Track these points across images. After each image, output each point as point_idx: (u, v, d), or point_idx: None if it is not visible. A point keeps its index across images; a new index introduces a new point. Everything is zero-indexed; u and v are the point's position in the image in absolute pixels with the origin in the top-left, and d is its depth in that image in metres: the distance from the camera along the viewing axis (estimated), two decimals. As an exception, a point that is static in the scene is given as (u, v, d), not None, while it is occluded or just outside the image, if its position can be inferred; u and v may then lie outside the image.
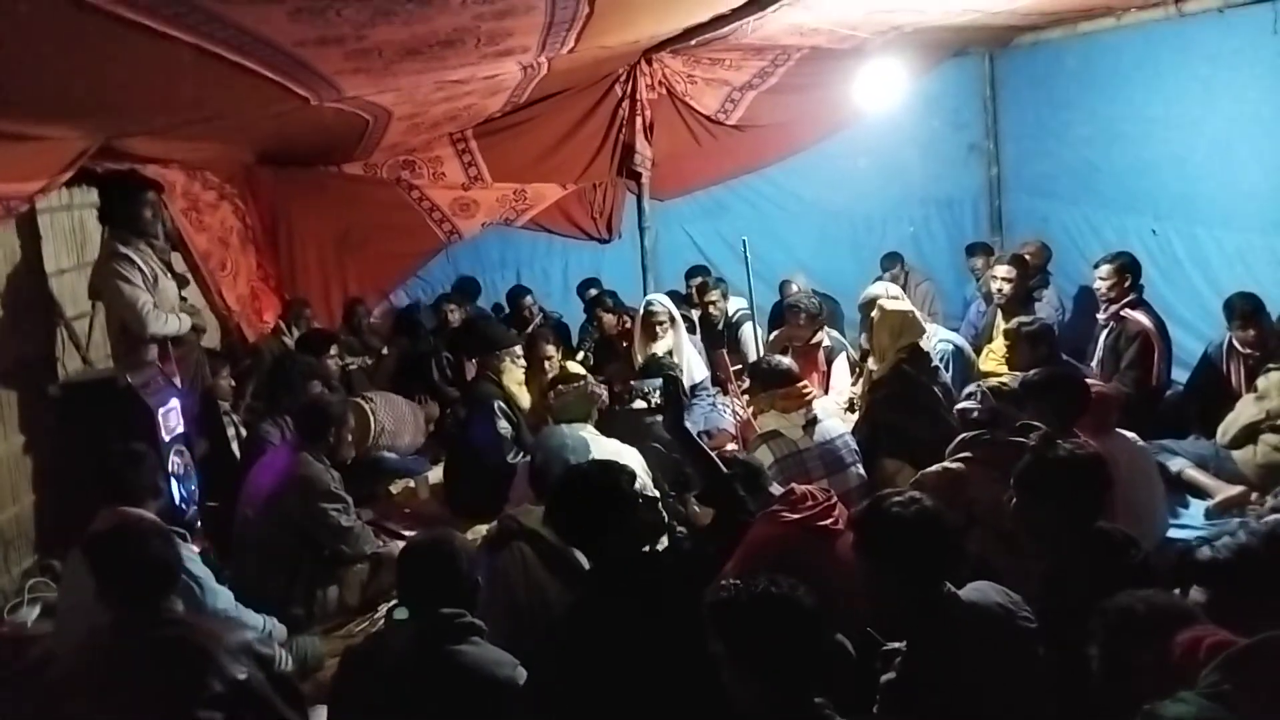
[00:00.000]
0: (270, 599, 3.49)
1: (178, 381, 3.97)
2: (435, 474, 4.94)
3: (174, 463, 3.65)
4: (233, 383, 4.87)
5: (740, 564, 2.88)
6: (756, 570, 2.74)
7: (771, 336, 5.64)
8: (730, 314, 6.20)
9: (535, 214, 7.14)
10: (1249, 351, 4.55)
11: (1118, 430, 3.72)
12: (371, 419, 4.97)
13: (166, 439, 3.67)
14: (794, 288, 6.82)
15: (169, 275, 4.31)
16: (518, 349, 4.97)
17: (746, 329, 5.92)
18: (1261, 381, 4.17)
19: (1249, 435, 4.06)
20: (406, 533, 4.13)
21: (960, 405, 3.58)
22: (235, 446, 4.68)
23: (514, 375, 4.79)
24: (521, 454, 4.44)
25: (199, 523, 3.83)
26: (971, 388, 3.67)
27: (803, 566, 2.84)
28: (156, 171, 4.74)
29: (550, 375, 4.81)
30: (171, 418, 3.73)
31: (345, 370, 5.62)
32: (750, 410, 4.81)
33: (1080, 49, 6.40)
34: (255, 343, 5.75)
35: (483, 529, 3.69)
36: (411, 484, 4.90)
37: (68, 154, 3.64)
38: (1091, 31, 6.07)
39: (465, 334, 6.06)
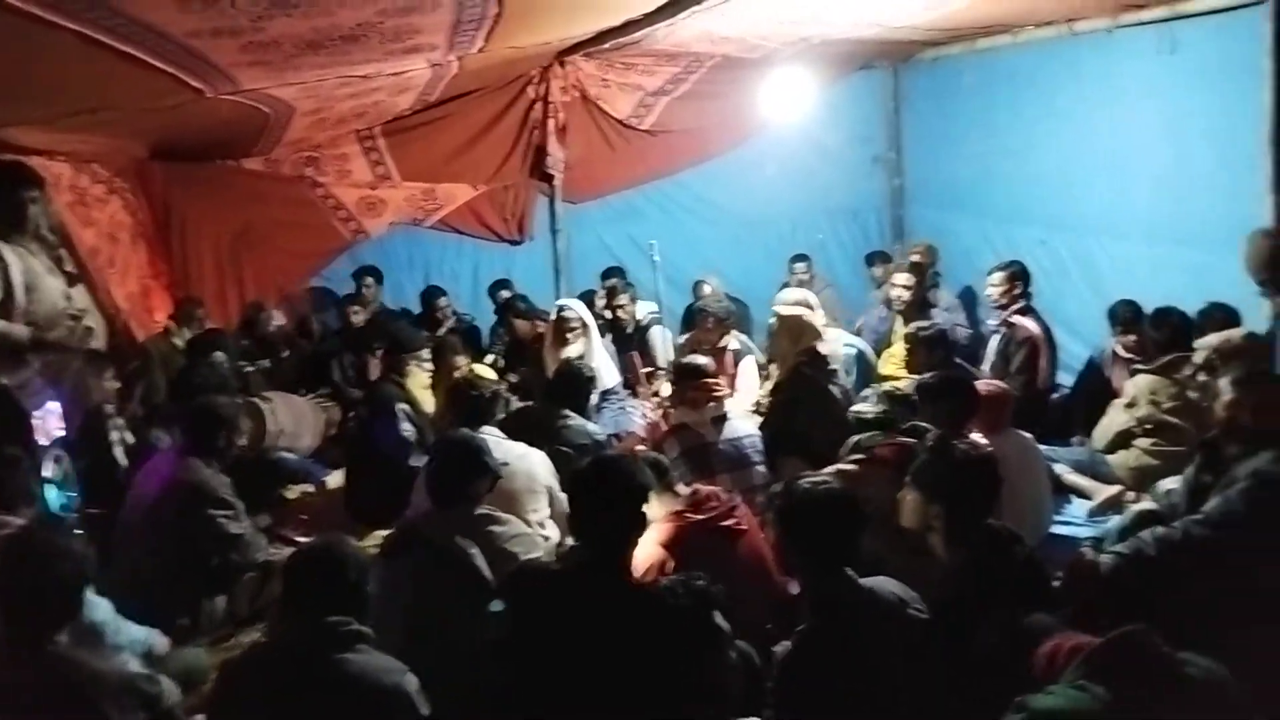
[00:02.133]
0: (154, 609, 3.34)
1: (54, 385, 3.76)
2: (336, 478, 4.82)
3: (51, 468, 3.46)
4: (118, 384, 4.65)
5: (657, 563, 2.90)
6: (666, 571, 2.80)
7: (682, 339, 5.68)
8: (640, 317, 6.23)
9: (445, 214, 7.05)
10: (1131, 356, 4.81)
11: (1010, 428, 3.86)
12: (269, 419, 4.82)
13: (44, 443, 3.48)
14: (706, 289, 6.90)
15: (58, 274, 4.09)
16: (424, 352, 4.88)
17: (655, 332, 5.96)
18: (1129, 387, 4.39)
19: (1123, 440, 4.26)
20: (303, 539, 4.00)
21: (855, 408, 3.67)
22: (121, 452, 4.47)
23: (419, 379, 4.72)
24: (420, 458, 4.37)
25: (79, 530, 3.63)
26: (868, 391, 3.76)
27: (707, 566, 2.88)
28: (41, 164, 4.50)
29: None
30: (50, 421, 3.54)
31: (242, 372, 5.43)
32: (660, 412, 4.86)
33: (979, 65, 6.65)
34: (143, 343, 5.50)
35: (384, 535, 3.61)
36: (310, 488, 4.77)
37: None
38: (989, 48, 6.31)
39: (372, 332, 5.94)
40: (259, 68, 3.83)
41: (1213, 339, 3.99)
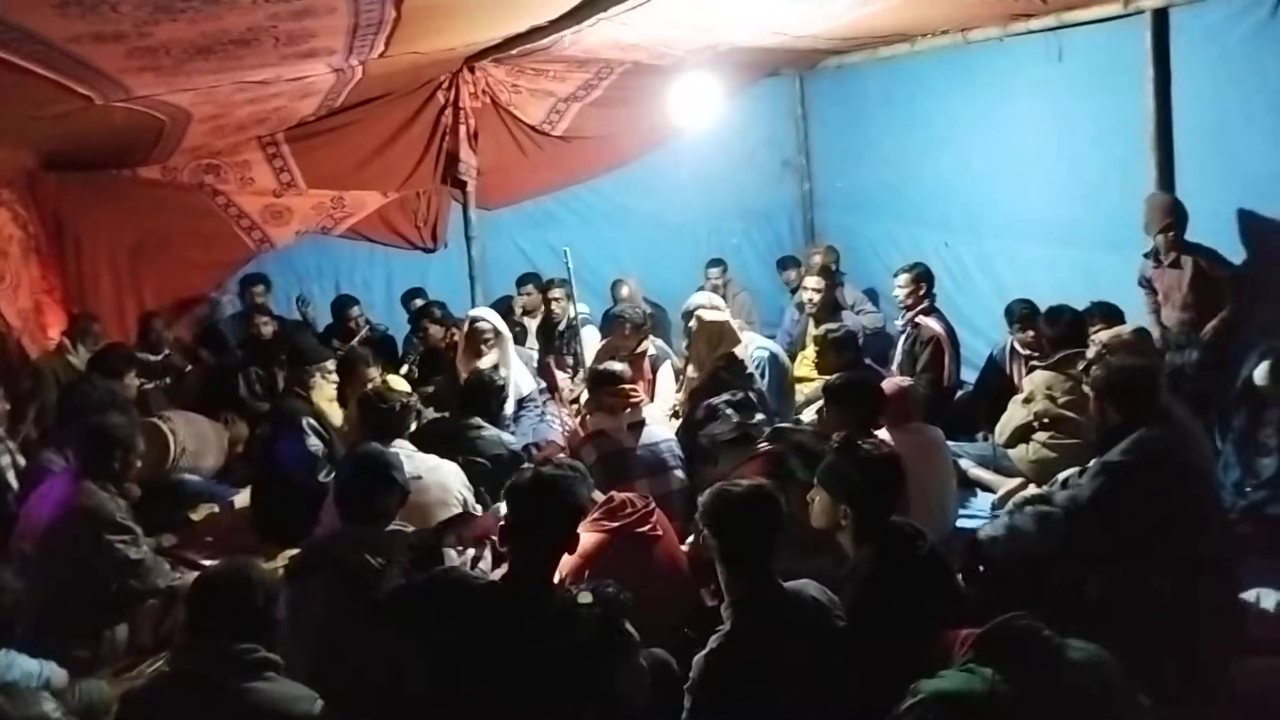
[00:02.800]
0: (52, 641, 3.19)
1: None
2: (243, 497, 4.67)
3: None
4: (7, 406, 4.42)
5: (574, 571, 2.89)
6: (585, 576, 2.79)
7: (599, 346, 5.69)
8: (573, 315, 6.22)
9: (355, 222, 6.91)
10: (1028, 353, 5.01)
11: (917, 424, 3.97)
12: (171, 439, 4.64)
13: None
14: (625, 290, 6.93)
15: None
16: (330, 364, 4.77)
17: (586, 331, 5.96)
18: (1027, 383, 4.57)
19: (1022, 435, 4.43)
20: (209, 562, 3.87)
21: (704, 433, 3.72)
22: (13, 476, 4.26)
23: (324, 391, 4.60)
24: (332, 473, 4.27)
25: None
26: (703, 411, 3.83)
27: (623, 573, 2.89)
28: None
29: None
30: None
31: (141, 390, 5.22)
32: (579, 418, 4.85)
33: (880, 73, 6.84)
34: (36, 361, 5.25)
35: (292, 554, 3.51)
36: (215, 509, 4.61)
37: None
38: (890, 57, 6.50)
39: (277, 344, 5.78)
40: (149, 73, 3.70)
41: (1103, 335, 4.18)
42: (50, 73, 3.24)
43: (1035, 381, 4.46)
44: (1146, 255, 4.67)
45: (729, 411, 3.69)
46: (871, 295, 6.88)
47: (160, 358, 5.83)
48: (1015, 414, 4.47)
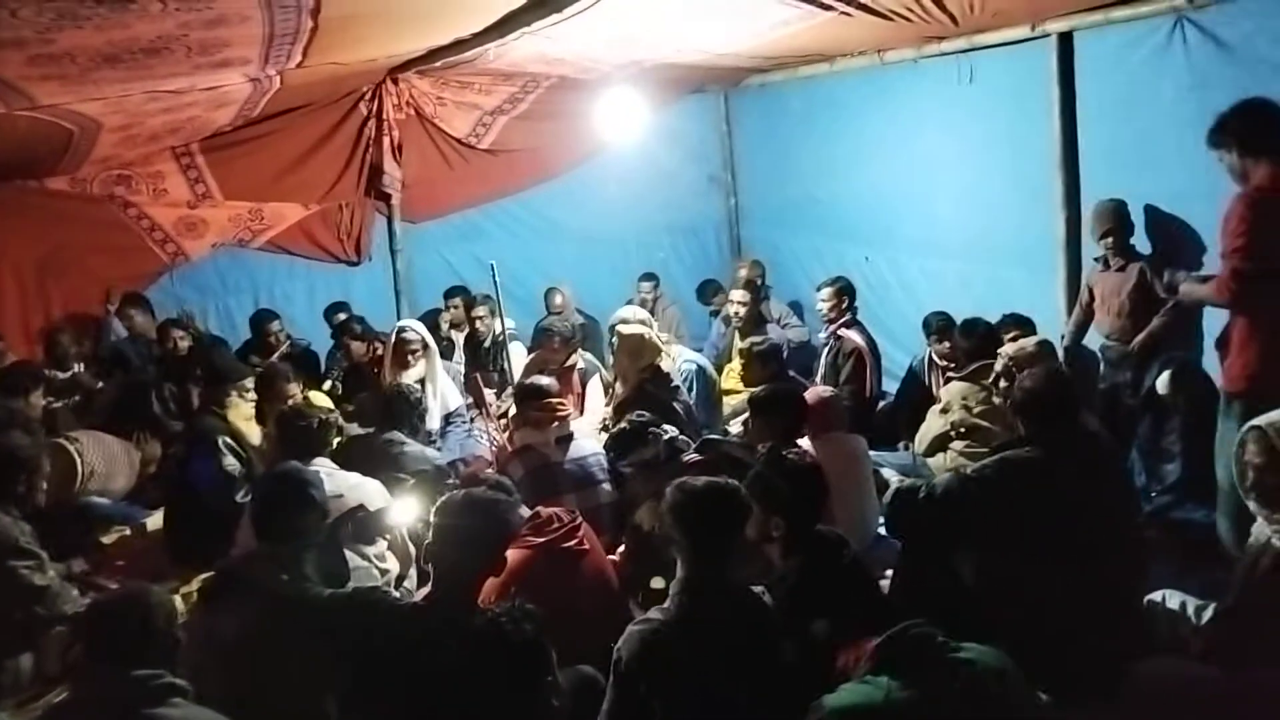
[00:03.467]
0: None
1: None
2: (155, 519, 4.51)
3: None
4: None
5: (498, 589, 2.86)
6: (513, 594, 2.77)
7: (527, 359, 5.66)
8: (498, 332, 6.17)
9: (274, 234, 6.78)
10: (945, 364, 5.17)
11: (839, 433, 4.05)
12: (79, 460, 4.44)
13: None
14: (559, 299, 6.91)
15: None
16: (248, 382, 4.64)
17: (513, 347, 5.92)
18: (944, 394, 4.71)
19: (939, 444, 4.55)
20: (123, 584, 3.73)
21: (634, 458, 3.75)
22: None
23: (242, 410, 4.47)
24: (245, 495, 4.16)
25: None
26: (629, 432, 3.84)
27: (549, 589, 2.87)
28: None
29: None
30: None
31: (49, 409, 5.00)
32: (506, 434, 4.81)
33: (801, 91, 6.99)
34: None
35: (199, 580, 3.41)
36: (127, 532, 4.44)
37: None
38: (810, 76, 6.64)
39: (192, 361, 5.60)
40: (54, 81, 3.57)
41: (1008, 348, 4.32)
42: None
43: (951, 392, 4.59)
44: (1096, 259, 4.80)
45: (654, 431, 3.69)
46: (797, 308, 7.00)
47: (68, 375, 5.60)
48: (933, 424, 4.59)
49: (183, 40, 3.26)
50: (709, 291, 7.38)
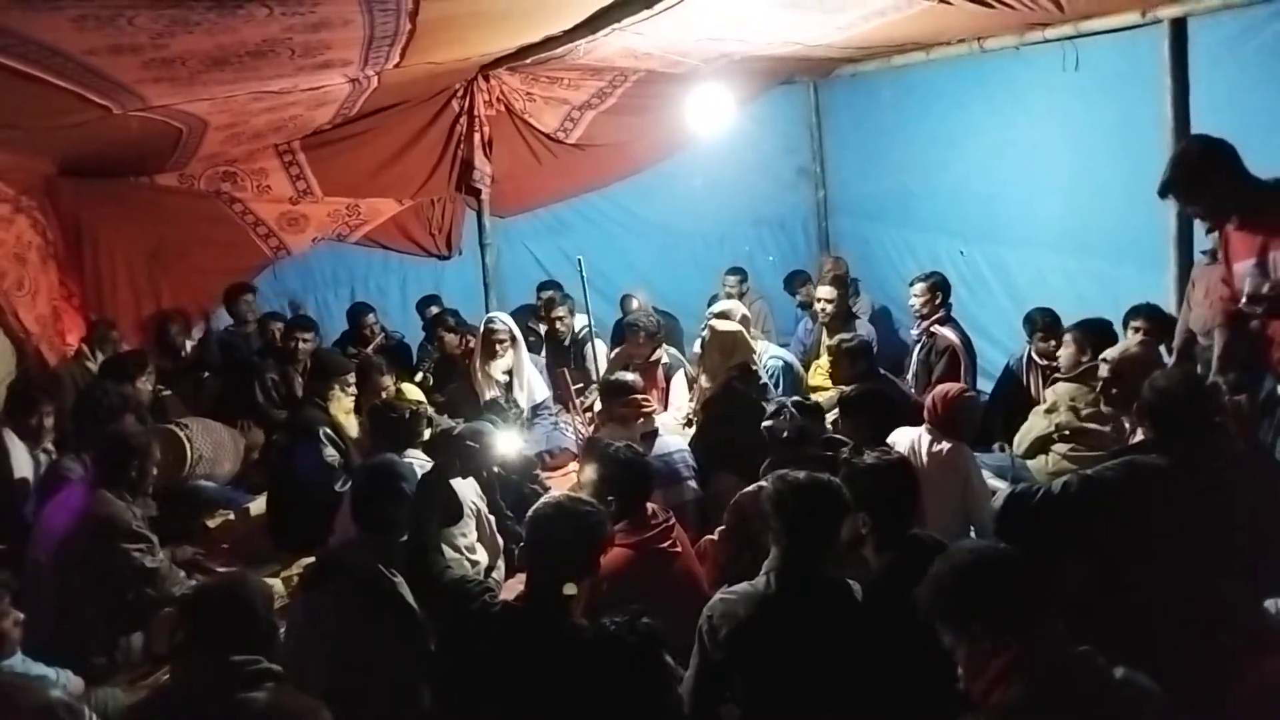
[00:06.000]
0: (67, 649, 3.21)
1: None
2: (258, 504, 4.69)
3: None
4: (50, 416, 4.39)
5: (593, 586, 2.84)
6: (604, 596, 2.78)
7: (612, 354, 5.68)
8: (577, 330, 6.21)
9: (370, 230, 6.95)
10: (1046, 363, 4.96)
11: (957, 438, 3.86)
12: (188, 446, 4.67)
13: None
14: (634, 304, 6.92)
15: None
16: (350, 376, 4.79)
17: (590, 344, 5.95)
18: (1050, 394, 4.52)
19: (1041, 446, 4.38)
20: (225, 569, 3.90)
21: (766, 424, 3.69)
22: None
23: (343, 403, 4.61)
24: (348, 483, 4.28)
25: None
26: (774, 406, 3.78)
27: (643, 588, 2.87)
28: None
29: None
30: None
31: (158, 396, 5.25)
32: (591, 428, 4.83)
33: (895, 81, 6.81)
34: (55, 368, 5.29)
35: (300, 565, 3.53)
36: (231, 516, 4.63)
37: None
38: (904, 65, 6.47)
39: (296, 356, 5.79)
40: (165, 84, 3.73)
41: (1112, 351, 4.12)
42: (68, 84, 3.27)
43: (1059, 392, 4.40)
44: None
45: (791, 410, 3.66)
46: (891, 306, 6.83)
47: (177, 363, 5.86)
48: (1036, 424, 4.42)
49: (287, 43, 3.36)
50: (796, 282, 7.29)
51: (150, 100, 3.98)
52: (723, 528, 3.52)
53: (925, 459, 3.64)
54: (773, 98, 7.68)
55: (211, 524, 4.56)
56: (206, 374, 5.86)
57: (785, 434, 3.59)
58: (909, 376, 5.34)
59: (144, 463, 3.60)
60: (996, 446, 4.86)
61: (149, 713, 2.28)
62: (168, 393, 5.43)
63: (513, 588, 3.38)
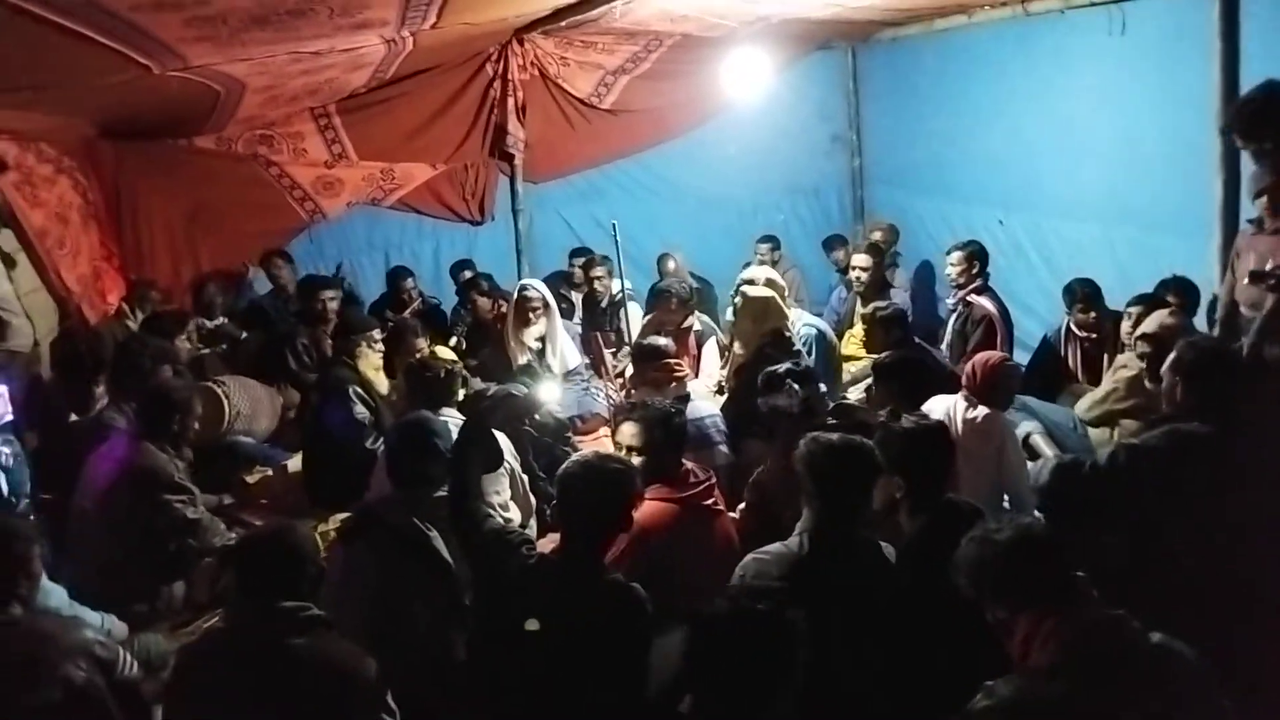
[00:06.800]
0: (111, 596, 3.30)
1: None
2: (295, 461, 4.77)
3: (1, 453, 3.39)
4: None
5: (634, 543, 2.86)
6: (647, 549, 2.81)
7: (644, 320, 5.68)
8: (615, 292, 6.22)
9: (404, 194, 6.95)
10: (1085, 335, 4.88)
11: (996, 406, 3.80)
12: (226, 403, 4.74)
13: (-11, 428, 3.41)
14: (671, 265, 6.90)
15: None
16: (375, 333, 4.84)
17: (629, 308, 5.96)
18: (1124, 359, 4.35)
19: (1109, 418, 4.27)
20: (262, 523, 3.98)
21: (771, 402, 3.65)
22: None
23: (371, 360, 4.67)
24: (381, 440, 4.34)
25: (31, 515, 3.56)
26: (765, 377, 3.72)
27: (686, 543, 2.89)
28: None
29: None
30: (-4, 404, 3.46)
31: (197, 355, 5.34)
32: (623, 393, 4.85)
33: (936, 46, 6.69)
34: (97, 326, 5.39)
35: (343, 518, 3.58)
36: (269, 472, 4.71)
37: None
38: (946, 29, 6.35)
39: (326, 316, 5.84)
40: (206, 43, 3.74)
41: (1150, 323, 4.04)
42: (111, 41, 3.29)
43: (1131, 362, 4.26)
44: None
45: (792, 384, 3.62)
46: (927, 275, 6.75)
47: (215, 324, 5.94)
48: (1110, 394, 4.28)
49: (326, 2, 3.36)
50: (834, 245, 7.22)
51: (190, 60, 4.00)
52: (743, 505, 3.54)
53: (961, 426, 3.61)
54: (809, 63, 7.58)
55: (250, 480, 4.64)
56: (244, 335, 5.94)
57: (792, 409, 3.55)
58: (944, 346, 5.30)
59: (185, 417, 3.68)
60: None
61: (198, 656, 2.34)
62: (206, 351, 5.52)
63: (543, 547, 3.41)
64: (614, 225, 5.37)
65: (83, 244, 5.78)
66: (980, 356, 3.82)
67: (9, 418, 3.54)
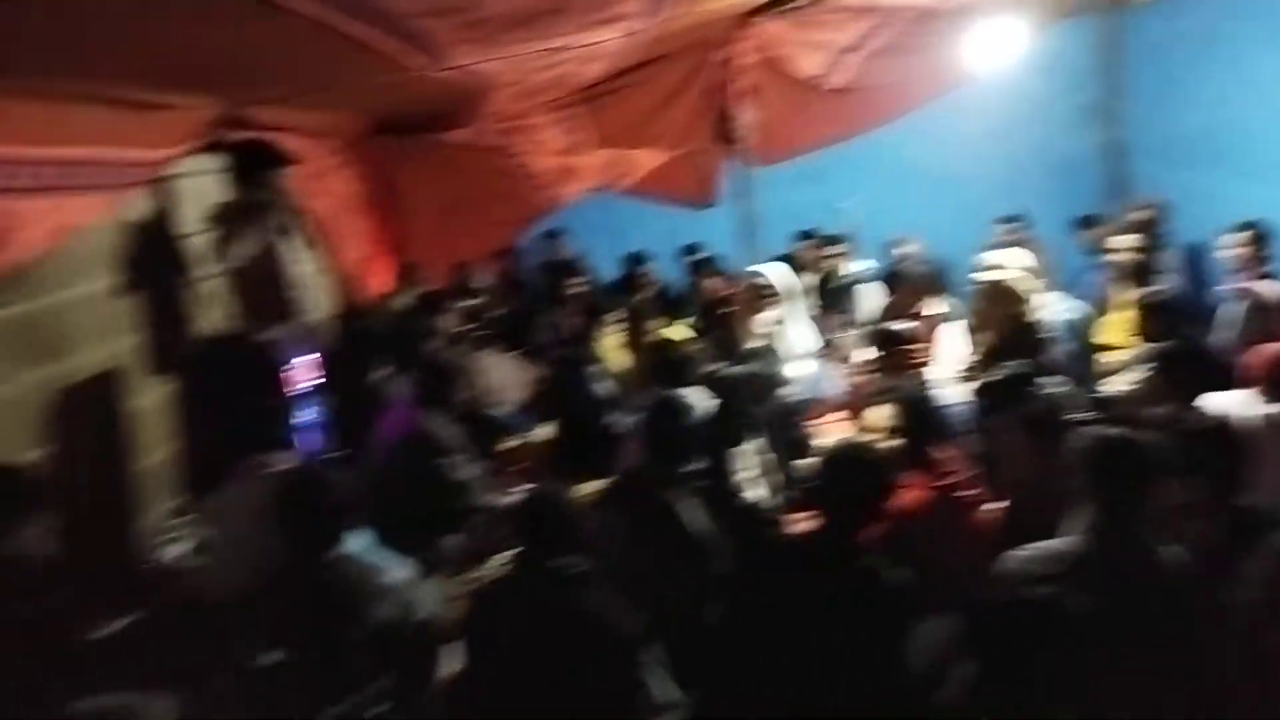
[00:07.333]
0: (396, 546, 3.66)
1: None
2: (542, 432, 5.08)
3: (302, 416, 3.85)
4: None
5: (891, 529, 2.80)
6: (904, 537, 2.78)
7: (881, 305, 5.56)
8: (848, 275, 6.14)
9: (634, 180, 7.18)
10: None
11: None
12: (479, 377, 5.13)
13: (293, 393, 3.88)
14: (907, 247, 6.68)
15: (291, 240, 4.53)
16: (615, 316, 5.05)
17: (861, 291, 5.87)
18: None
19: None
20: (517, 489, 4.28)
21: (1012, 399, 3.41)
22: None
23: (611, 340, 4.89)
24: (622, 416, 4.54)
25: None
26: (996, 379, 3.48)
27: (944, 533, 2.85)
28: (279, 140, 4.93)
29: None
30: (299, 373, 3.93)
31: (457, 332, 5.80)
32: (858, 379, 4.78)
33: (1205, 7, 6.05)
34: (369, 308, 5.98)
35: (589, 488, 3.78)
36: (519, 441, 5.05)
37: (195, 123, 3.85)
38: (1225, -17, 5.73)
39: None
40: (469, 44, 4.02)
41: None
42: (388, 44, 3.59)
43: None
44: None
45: (1030, 382, 3.44)
46: (1196, 258, 6.13)
47: (472, 304, 6.44)
48: None
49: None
50: (1086, 224, 6.72)
51: (453, 61, 4.32)
52: (993, 498, 3.38)
53: (1258, 424, 3.27)
54: (1061, 29, 7.05)
55: (504, 448, 4.99)
56: (495, 314, 6.39)
57: (1038, 414, 3.31)
58: (1220, 336, 4.81)
59: (459, 387, 4.03)
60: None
61: (485, 603, 2.58)
62: (464, 329, 5.98)
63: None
64: (845, 209, 5.28)
65: (358, 230, 6.42)
66: (1276, 347, 3.45)
67: (317, 382, 4.01)
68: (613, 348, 5.02)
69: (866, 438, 3.14)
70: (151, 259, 4.32)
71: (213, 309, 4.69)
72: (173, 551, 3.89)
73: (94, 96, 3.17)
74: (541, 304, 6.38)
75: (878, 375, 4.18)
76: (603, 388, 4.73)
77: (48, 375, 3.56)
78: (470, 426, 4.49)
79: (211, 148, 4.28)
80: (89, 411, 3.75)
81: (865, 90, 7.08)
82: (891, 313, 5.22)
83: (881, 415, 3.11)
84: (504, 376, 5.21)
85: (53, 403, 3.54)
